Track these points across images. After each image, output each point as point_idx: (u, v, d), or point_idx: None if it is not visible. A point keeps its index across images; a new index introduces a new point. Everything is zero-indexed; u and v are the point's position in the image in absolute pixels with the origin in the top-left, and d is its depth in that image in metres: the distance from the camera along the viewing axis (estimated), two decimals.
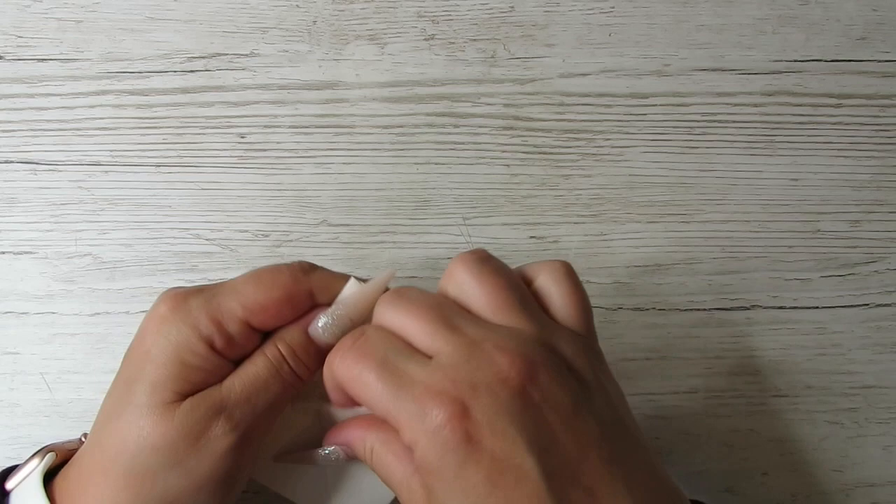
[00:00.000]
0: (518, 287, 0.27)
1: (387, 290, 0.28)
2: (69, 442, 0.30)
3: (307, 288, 0.28)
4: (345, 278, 0.29)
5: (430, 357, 0.25)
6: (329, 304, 0.29)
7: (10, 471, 0.29)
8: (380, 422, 0.26)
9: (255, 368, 0.28)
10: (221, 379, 0.28)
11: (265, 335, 0.29)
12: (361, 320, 0.28)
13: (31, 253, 0.40)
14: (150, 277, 0.40)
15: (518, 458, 0.23)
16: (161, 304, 0.28)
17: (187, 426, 0.26)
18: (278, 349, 0.28)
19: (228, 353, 0.28)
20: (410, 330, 0.26)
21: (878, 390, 0.41)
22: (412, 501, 0.24)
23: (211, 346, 0.27)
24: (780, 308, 0.41)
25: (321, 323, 0.28)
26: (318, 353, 0.28)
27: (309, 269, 0.29)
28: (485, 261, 0.27)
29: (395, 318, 0.26)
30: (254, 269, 0.29)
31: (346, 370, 0.26)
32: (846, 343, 0.41)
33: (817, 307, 0.41)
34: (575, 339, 0.26)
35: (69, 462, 0.29)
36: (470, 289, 0.26)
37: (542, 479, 0.22)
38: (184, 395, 0.27)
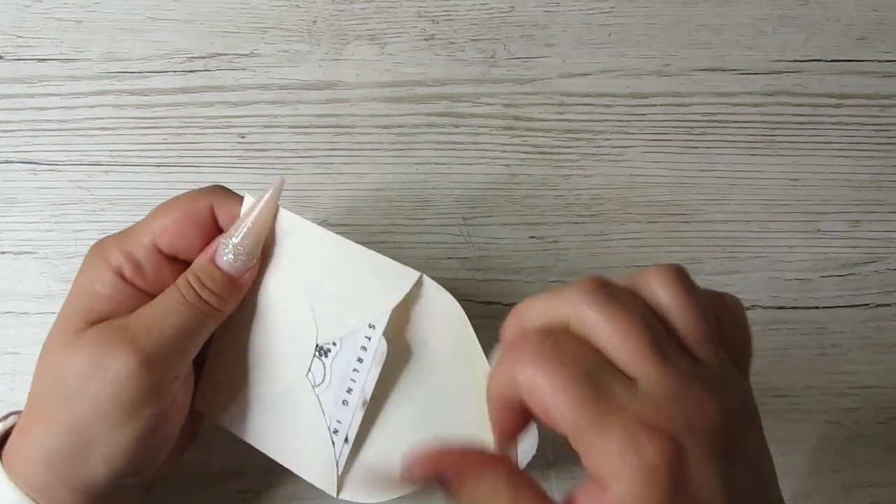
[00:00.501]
0: (711, 319, 0.24)
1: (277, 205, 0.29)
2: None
3: (207, 205, 0.29)
4: (240, 197, 0.30)
5: (630, 379, 0.22)
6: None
7: None
8: (510, 465, 0.23)
9: (164, 297, 0.28)
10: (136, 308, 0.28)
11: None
12: (261, 238, 0.29)
13: (31, 253, 0.40)
14: None
15: None
16: (83, 260, 0.30)
17: (91, 351, 0.27)
18: (185, 277, 0.29)
19: (141, 282, 0.29)
20: (616, 343, 0.22)
21: (878, 390, 0.41)
22: None
23: (121, 276, 0.28)
24: (780, 308, 0.41)
25: (222, 248, 0.29)
26: (227, 279, 0.29)
27: (209, 189, 0.30)
28: (692, 283, 0.24)
29: (602, 324, 0.22)
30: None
31: (538, 376, 0.22)
32: (846, 343, 0.41)
33: (817, 307, 0.41)
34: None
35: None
36: (677, 311, 0.23)
37: None
38: (94, 323, 0.28)
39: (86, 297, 0.28)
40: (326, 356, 0.29)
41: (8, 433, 0.30)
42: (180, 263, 0.29)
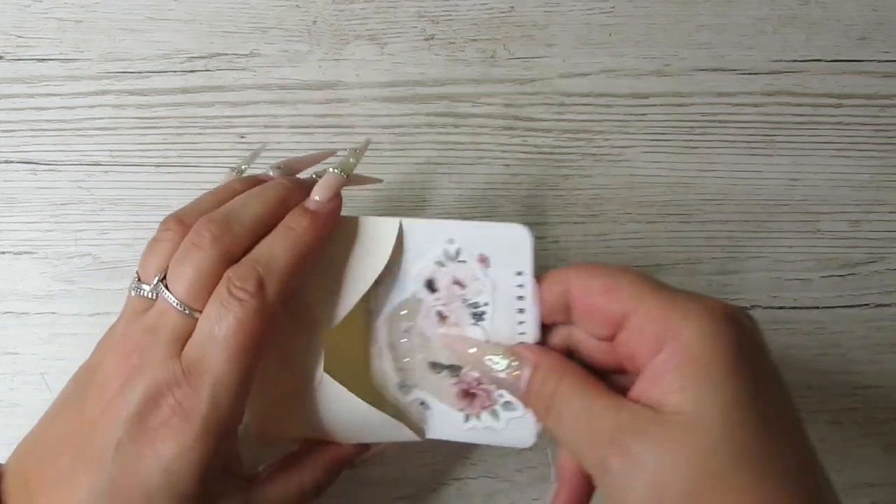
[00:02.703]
0: None
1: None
2: None
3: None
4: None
5: None
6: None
7: None
8: (570, 361, 0.26)
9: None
10: None
11: None
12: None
13: (31, 253, 0.40)
14: None
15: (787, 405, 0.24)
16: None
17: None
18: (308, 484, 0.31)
19: None
20: None
21: (878, 390, 0.41)
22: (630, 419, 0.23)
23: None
24: (780, 308, 0.41)
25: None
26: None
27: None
28: None
29: None
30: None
31: (599, 268, 0.26)
32: (846, 343, 0.41)
33: (817, 307, 0.41)
34: None
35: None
36: None
37: (802, 429, 0.24)
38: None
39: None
40: (483, 319, 0.29)
41: None
42: None
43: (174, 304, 0.27)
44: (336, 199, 0.29)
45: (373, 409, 0.29)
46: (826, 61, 0.43)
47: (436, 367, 0.29)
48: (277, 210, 0.29)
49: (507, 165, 0.41)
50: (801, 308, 0.41)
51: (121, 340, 0.28)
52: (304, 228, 0.28)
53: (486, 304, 0.28)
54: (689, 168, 0.42)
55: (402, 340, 0.29)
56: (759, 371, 0.23)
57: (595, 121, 0.42)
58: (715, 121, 0.42)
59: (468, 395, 0.29)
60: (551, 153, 0.42)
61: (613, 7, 0.43)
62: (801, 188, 0.42)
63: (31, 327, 0.39)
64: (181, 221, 0.28)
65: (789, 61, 0.43)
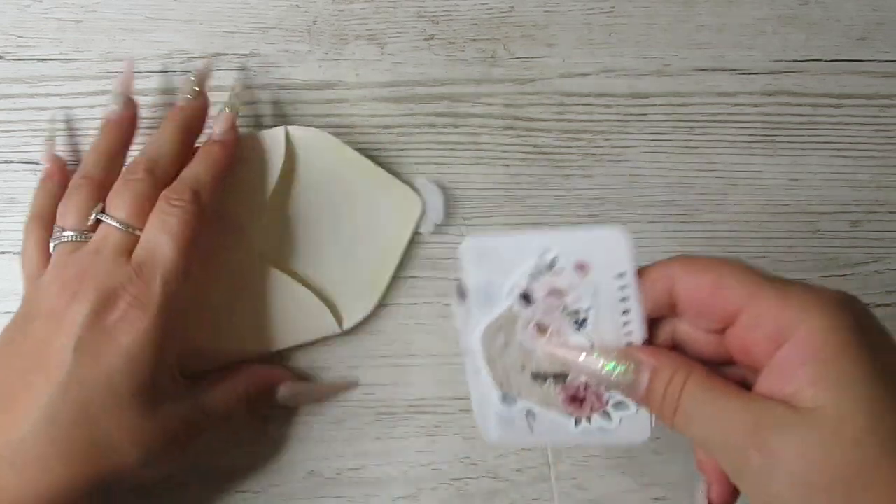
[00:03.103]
0: None
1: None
2: None
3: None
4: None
5: None
6: None
7: None
8: (691, 359, 0.26)
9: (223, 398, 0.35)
10: None
11: None
12: (314, 402, 0.39)
13: None
14: None
15: None
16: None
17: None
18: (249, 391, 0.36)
19: None
20: None
21: None
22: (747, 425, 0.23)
23: None
24: None
25: (282, 392, 0.37)
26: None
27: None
28: None
29: None
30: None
31: (704, 262, 0.25)
32: None
33: None
34: None
35: None
36: None
37: None
38: None
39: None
40: (585, 325, 0.28)
41: None
42: None
43: (116, 226, 0.32)
44: (234, 129, 0.37)
45: (306, 291, 0.38)
46: (826, 61, 0.43)
47: (539, 377, 0.29)
48: (187, 139, 0.36)
49: (507, 165, 0.41)
50: None
51: (58, 273, 0.32)
52: (217, 152, 0.35)
53: (588, 310, 0.28)
54: (689, 168, 0.42)
55: (502, 356, 0.29)
56: (886, 357, 0.23)
57: (595, 121, 0.42)
58: (715, 121, 0.42)
59: (576, 400, 0.29)
60: (551, 153, 0.42)
61: (613, 7, 0.43)
62: (801, 188, 0.42)
63: None
64: (87, 175, 0.34)
65: (789, 61, 0.43)
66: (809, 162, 0.42)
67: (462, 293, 0.28)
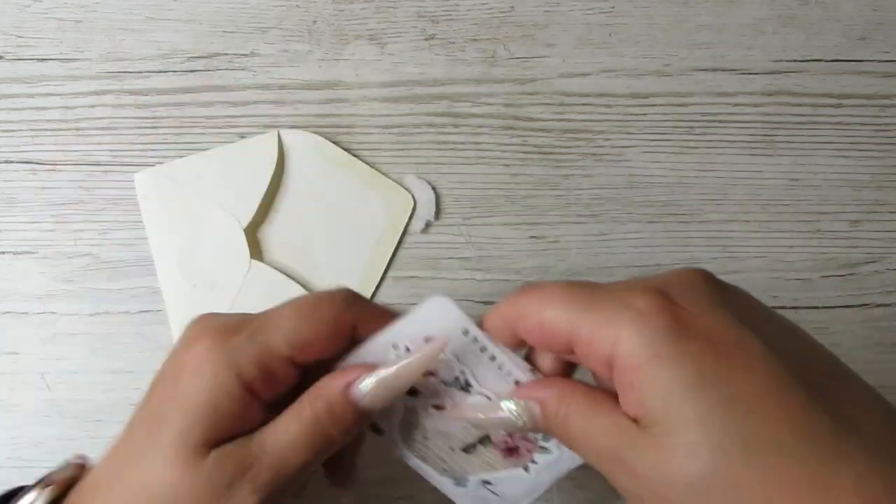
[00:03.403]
0: None
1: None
2: (61, 470, 0.28)
3: (352, 321, 0.27)
4: (392, 315, 0.27)
5: None
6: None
7: (8, 500, 0.28)
8: (572, 382, 0.25)
9: (290, 431, 0.26)
10: (253, 421, 0.26)
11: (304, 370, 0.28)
12: (403, 389, 0.27)
13: (31, 253, 0.40)
14: (151, 277, 0.40)
15: (733, 331, 0.22)
16: (198, 338, 0.26)
17: (212, 480, 0.25)
18: (315, 407, 0.26)
19: (266, 393, 0.26)
20: None
21: (878, 390, 0.41)
22: (622, 438, 0.23)
23: (251, 390, 0.26)
24: (781, 308, 0.41)
25: (365, 386, 0.26)
26: (359, 415, 0.27)
27: (353, 299, 0.28)
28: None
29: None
30: (295, 300, 0.27)
31: (527, 302, 0.25)
32: (846, 343, 0.41)
33: (817, 307, 0.41)
34: None
35: (78, 495, 0.27)
36: None
37: (764, 347, 0.22)
38: (213, 443, 0.25)
39: (210, 411, 0.25)
40: (471, 385, 0.29)
41: (71, 483, 0.27)
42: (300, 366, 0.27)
43: None
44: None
45: (300, 289, 0.38)
46: (826, 61, 0.43)
47: (468, 448, 0.29)
48: None
49: (507, 165, 0.41)
50: (801, 308, 0.41)
51: None
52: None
53: (462, 372, 0.28)
54: (689, 168, 0.42)
55: (429, 449, 0.30)
56: (698, 348, 0.22)
57: (595, 121, 0.42)
58: (715, 121, 0.42)
59: (511, 450, 0.29)
60: (551, 153, 0.42)
61: (613, 7, 0.43)
62: (801, 188, 0.42)
63: (31, 327, 0.39)
64: None
65: (789, 61, 0.43)
66: (809, 162, 0.42)
67: (377, 429, 0.29)
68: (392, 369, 0.26)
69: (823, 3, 0.43)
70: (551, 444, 0.28)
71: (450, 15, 0.42)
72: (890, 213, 0.42)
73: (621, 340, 0.22)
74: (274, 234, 0.40)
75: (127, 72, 0.41)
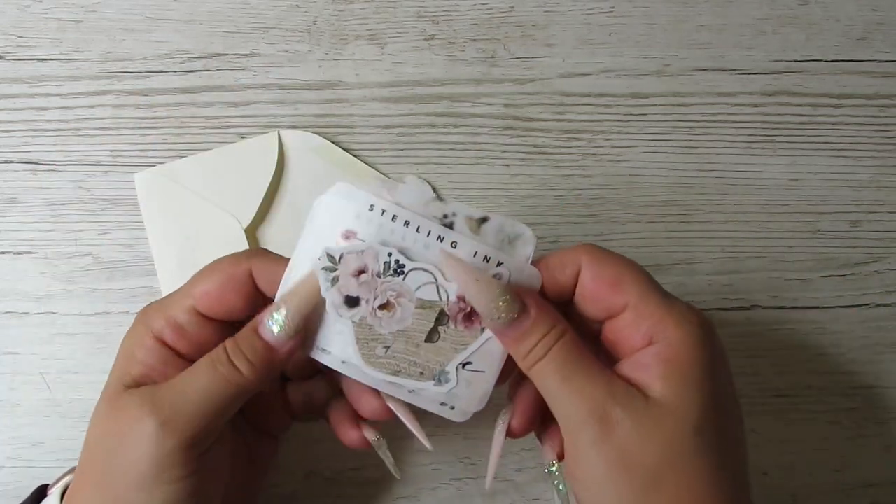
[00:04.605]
0: None
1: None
2: None
3: (246, 269, 0.29)
4: (284, 261, 0.29)
5: None
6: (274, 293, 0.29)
7: (46, 488, 0.31)
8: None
9: (204, 373, 0.28)
10: (174, 375, 0.28)
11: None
12: (310, 312, 0.28)
13: (31, 253, 0.40)
14: (150, 277, 0.40)
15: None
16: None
17: (123, 415, 0.27)
18: (224, 344, 0.28)
19: (183, 346, 0.29)
20: None
21: (878, 390, 0.41)
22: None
23: (160, 341, 0.29)
24: (780, 308, 0.41)
25: (269, 319, 0.28)
26: (266, 349, 0.28)
27: (251, 252, 0.30)
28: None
29: None
30: None
31: (638, 269, 0.28)
32: (846, 343, 0.41)
33: (817, 307, 0.41)
34: None
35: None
36: None
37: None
38: (129, 389, 0.28)
39: (125, 361, 0.29)
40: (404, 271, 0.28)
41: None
42: (223, 327, 0.29)
43: None
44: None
45: None
46: (826, 61, 0.43)
47: (431, 336, 0.29)
48: None
49: (507, 165, 0.41)
50: (801, 308, 0.41)
51: None
52: None
53: (389, 255, 0.28)
54: (689, 168, 0.42)
55: (396, 361, 0.29)
56: (724, 378, 0.27)
57: (595, 121, 0.42)
58: (715, 121, 0.42)
59: (469, 316, 0.29)
60: (551, 153, 0.42)
61: (613, 7, 0.43)
62: (801, 188, 0.42)
63: (31, 327, 0.39)
64: None
65: (789, 61, 0.43)
66: (809, 162, 0.42)
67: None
68: (285, 290, 0.28)
69: (823, 3, 0.43)
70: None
71: (450, 15, 0.42)
72: (890, 213, 0.42)
73: (680, 331, 0.26)
74: (274, 234, 0.40)
75: (127, 72, 0.41)
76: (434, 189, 0.41)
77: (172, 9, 0.42)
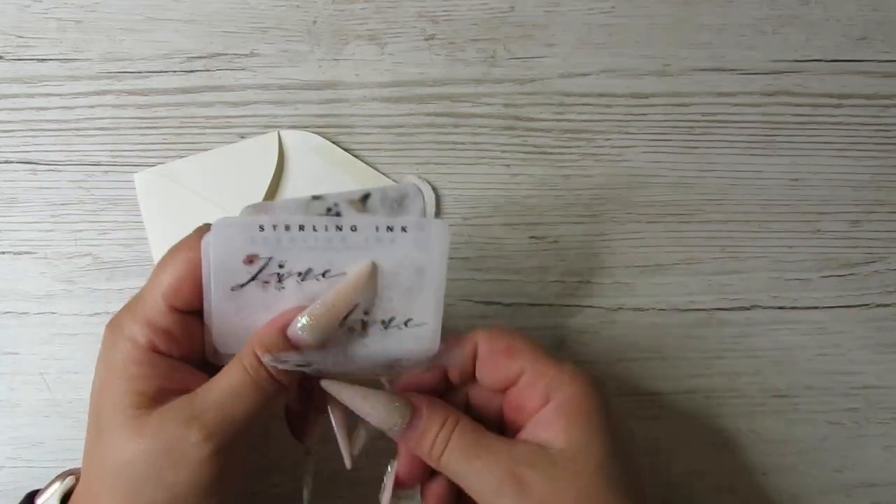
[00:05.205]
0: None
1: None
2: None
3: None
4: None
5: None
6: None
7: (35, 494, 0.30)
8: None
9: (230, 376, 0.27)
10: (184, 380, 0.28)
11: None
12: (340, 315, 0.28)
13: (31, 253, 0.40)
14: None
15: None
16: (102, 342, 0.29)
17: (160, 438, 0.26)
18: (253, 353, 0.27)
19: (176, 348, 0.28)
20: None
21: (878, 390, 0.41)
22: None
23: (154, 349, 0.28)
24: (780, 308, 0.41)
25: (301, 324, 0.27)
26: (296, 352, 0.28)
27: (200, 230, 0.29)
28: None
29: None
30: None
31: (508, 332, 0.31)
32: (846, 343, 0.41)
33: (817, 307, 0.41)
34: None
35: (77, 487, 0.29)
36: None
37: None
38: (149, 405, 0.27)
39: (121, 382, 0.27)
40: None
41: (67, 495, 0.29)
42: (200, 313, 0.29)
43: None
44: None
45: None
46: (826, 61, 0.43)
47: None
48: None
49: (507, 165, 0.41)
50: (801, 308, 0.41)
51: None
52: None
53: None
54: (689, 168, 0.42)
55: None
56: (619, 420, 0.30)
57: (595, 121, 0.42)
58: (715, 121, 0.42)
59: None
60: (551, 153, 0.42)
61: (613, 7, 0.43)
62: (801, 188, 0.42)
63: (31, 327, 0.39)
64: None
65: (789, 61, 0.43)
66: (809, 162, 0.42)
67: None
68: (325, 299, 0.28)
69: (823, 3, 0.43)
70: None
71: (450, 15, 0.42)
72: (890, 213, 0.42)
73: (574, 385, 0.29)
74: None
75: (127, 72, 0.41)
76: (434, 189, 0.41)
77: (172, 9, 0.42)
